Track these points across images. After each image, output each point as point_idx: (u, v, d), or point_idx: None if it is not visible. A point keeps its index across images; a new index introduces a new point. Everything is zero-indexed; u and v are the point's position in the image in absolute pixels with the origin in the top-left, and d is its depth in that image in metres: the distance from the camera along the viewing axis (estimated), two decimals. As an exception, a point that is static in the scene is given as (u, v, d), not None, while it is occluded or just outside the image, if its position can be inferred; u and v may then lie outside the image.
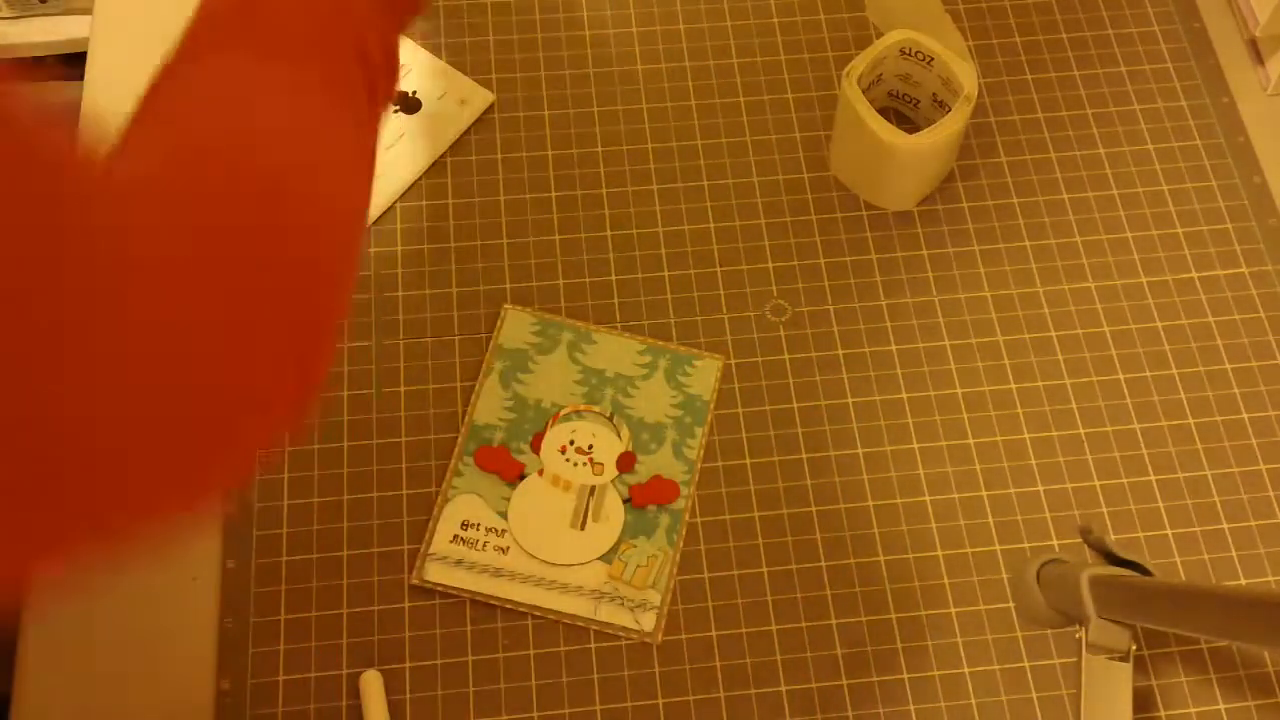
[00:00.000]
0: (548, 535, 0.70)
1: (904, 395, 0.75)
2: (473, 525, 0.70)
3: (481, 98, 0.83)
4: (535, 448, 0.72)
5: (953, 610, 0.69)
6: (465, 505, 0.70)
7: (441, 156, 0.81)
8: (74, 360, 0.28)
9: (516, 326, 0.76)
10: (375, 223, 0.79)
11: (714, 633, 0.68)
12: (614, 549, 0.70)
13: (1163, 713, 0.67)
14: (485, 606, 0.68)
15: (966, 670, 0.68)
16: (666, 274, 0.78)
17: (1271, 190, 0.82)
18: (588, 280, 0.78)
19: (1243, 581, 0.71)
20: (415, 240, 0.79)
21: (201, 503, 0.38)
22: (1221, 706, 0.67)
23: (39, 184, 0.29)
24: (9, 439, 0.27)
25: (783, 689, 0.67)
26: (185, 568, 0.69)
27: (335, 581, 0.69)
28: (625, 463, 0.72)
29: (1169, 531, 0.72)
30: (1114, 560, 0.65)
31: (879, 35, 0.86)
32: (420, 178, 0.81)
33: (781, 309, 0.77)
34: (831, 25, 0.88)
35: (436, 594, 0.68)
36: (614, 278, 0.78)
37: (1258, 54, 0.87)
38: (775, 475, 0.72)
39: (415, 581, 0.68)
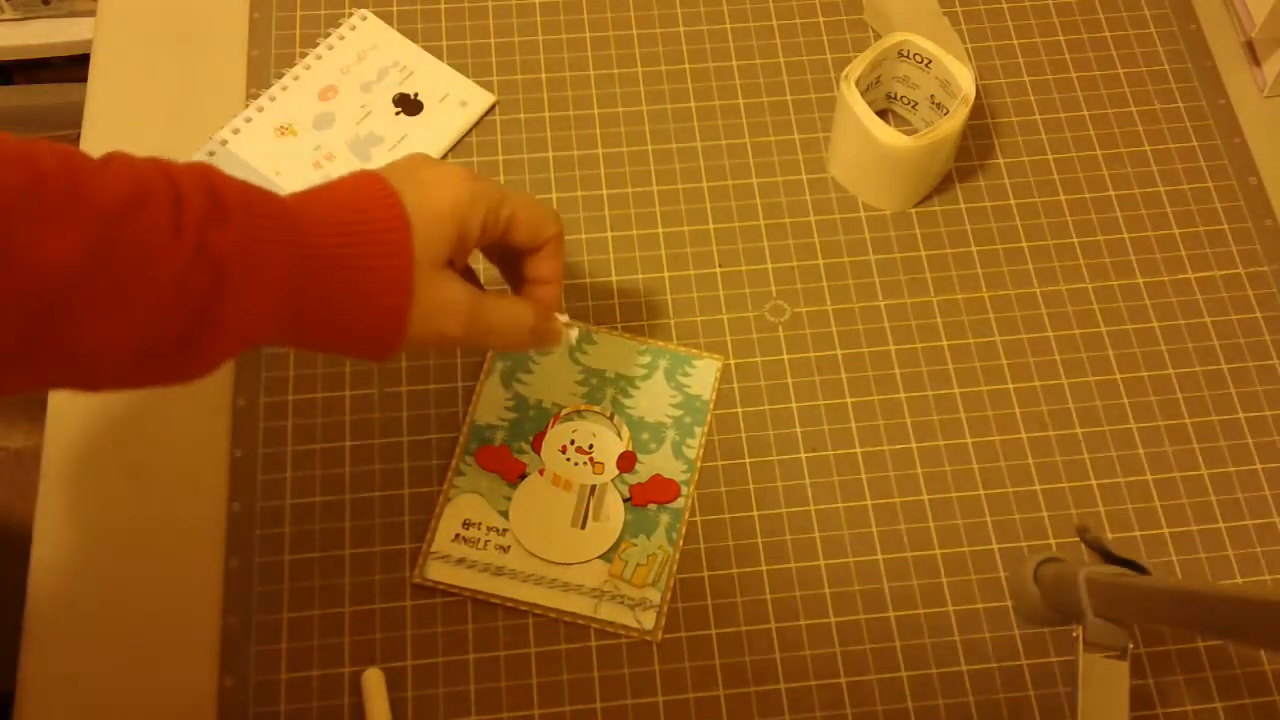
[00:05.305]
0: (548, 534, 0.70)
1: (902, 395, 0.75)
2: (474, 524, 0.70)
3: (482, 99, 0.84)
4: (536, 447, 0.73)
5: (950, 608, 0.69)
6: (467, 504, 0.71)
7: (443, 158, 0.82)
8: None
9: (517, 327, 0.76)
10: (377, 224, 0.79)
11: (713, 631, 0.69)
12: (614, 548, 0.70)
13: (1160, 711, 0.67)
14: (486, 605, 0.69)
15: (964, 668, 0.68)
16: (666, 275, 0.78)
17: (1268, 191, 0.83)
18: (588, 281, 0.78)
19: (1239, 580, 0.71)
20: (416, 241, 0.79)
21: None
22: (1218, 704, 0.68)
23: None
24: None
25: (781, 687, 0.67)
26: (188, 566, 0.69)
27: (337, 580, 0.69)
28: (625, 462, 0.72)
29: (1165, 530, 0.72)
30: (1111, 559, 0.65)
31: (877, 38, 0.87)
32: (421, 179, 0.81)
33: (780, 309, 0.78)
34: (830, 28, 0.88)
35: (438, 592, 0.69)
36: (614, 278, 0.78)
37: (1254, 55, 0.88)
38: (774, 474, 0.73)
39: (417, 580, 0.69)
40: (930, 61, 0.78)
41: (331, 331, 0.56)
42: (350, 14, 0.86)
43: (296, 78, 0.84)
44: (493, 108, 0.84)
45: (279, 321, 0.53)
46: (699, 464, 0.73)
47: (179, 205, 0.49)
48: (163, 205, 0.49)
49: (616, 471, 0.72)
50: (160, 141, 0.81)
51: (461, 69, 0.85)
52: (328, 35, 0.86)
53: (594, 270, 0.78)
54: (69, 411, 0.73)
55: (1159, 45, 0.88)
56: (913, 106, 0.83)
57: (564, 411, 0.74)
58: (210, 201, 0.50)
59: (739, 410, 0.74)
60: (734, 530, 0.71)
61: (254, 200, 0.52)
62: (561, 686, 0.67)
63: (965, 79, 0.77)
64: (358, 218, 0.55)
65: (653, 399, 0.74)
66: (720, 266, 0.79)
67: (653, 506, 0.71)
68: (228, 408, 0.73)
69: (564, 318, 0.65)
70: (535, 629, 0.68)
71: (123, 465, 0.72)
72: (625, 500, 0.71)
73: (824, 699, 0.67)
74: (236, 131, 0.81)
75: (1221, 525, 0.72)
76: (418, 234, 0.56)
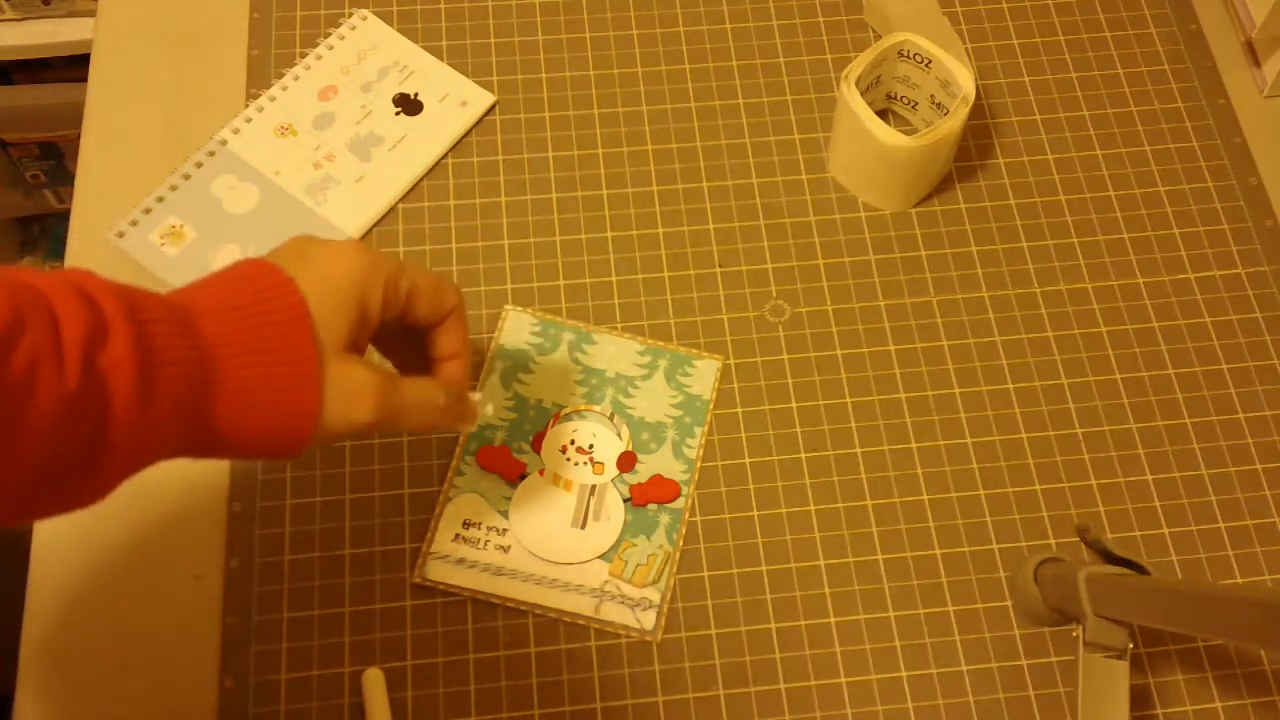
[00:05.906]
0: (549, 534, 0.70)
1: (902, 395, 0.75)
2: (474, 524, 0.70)
3: (482, 99, 0.84)
4: (536, 447, 0.73)
5: (950, 608, 0.70)
6: (467, 504, 0.71)
7: (443, 158, 0.82)
8: None
9: (517, 327, 0.76)
10: (378, 224, 0.79)
11: (713, 631, 0.69)
12: (614, 548, 0.70)
13: (1160, 710, 0.68)
14: (486, 605, 0.69)
15: (964, 668, 0.68)
16: (666, 275, 0.78)
17: (1268, 191, 0.83)
18: (588, 281, 0.78)
19: (1239, 580, 0.71)
20: (417, 241, 0.79)
21: None
22: (1218, 704, 0.68)
23: None
24: None
25: (781, 687, 0.67)
26: (188, 566, 0.69)
27: (337, 580, 0.69)
28: (626, 462, 0.72)
29: (1165, 530, 0.72)
30: (1111, 559, 0.65)
31: (877, 38, 0.87)
32: (422, 179, 0.81)
33: (780, 309, 0.78)
34: (830, 28, 0.88)
35: (438, 592, 0.69)
36: (614, 278, 0.78)
37: (1254, 55, 0.88)
38: (774, 474, 0.73)
39: (417, 580, 0.69)
40: (930, 61, 0.78)
41: (239, 433, 0.51)
42: (350, 14, 0.86)
43: (296, 78, 0.84)
44: (493, 108, 0.84)
45: (181, 429, 0.50)
46: (699, 464, 0.73)
47: (56, 325, 0.45)
48: (41, 328, 0.45)
49: (616, 471, 0.72)
50: (160, 141, 0.81)
51: (461, 69, 0.85)
52: (328, 35, 0.86)
53: (594, 270, 0.78)
54: (69, 411, 0.73)
55: (1159, 45, 0.88)
56: (913, 106, 0.83)
57: (564, 411, 0.74)
58: (90, 314, 0.46)
59: (739, 410, 0.74)
60: (734, 530, 0.71)
61: (139, 307, 0.48)
62: (561, 686, 0.67)
63: (965, 79, 0.77)
64: (254, 311, 0.51)
65: (653, 399, 0.74)
66: (720, 266, 0.79)
67: (653, 506, 0.71)
68: (228, 408, 0.73)
69: (476, 395, 0.62)
70: (535, 629, 0.68)
71: (123, 465, 0.72)
72: (625, 500, 0.71)
73: (824, 699, 0.67)
74: (236, 131, 0.81)
75: (1221, 525, 0.72)
76: (318, 319, 0.52)
